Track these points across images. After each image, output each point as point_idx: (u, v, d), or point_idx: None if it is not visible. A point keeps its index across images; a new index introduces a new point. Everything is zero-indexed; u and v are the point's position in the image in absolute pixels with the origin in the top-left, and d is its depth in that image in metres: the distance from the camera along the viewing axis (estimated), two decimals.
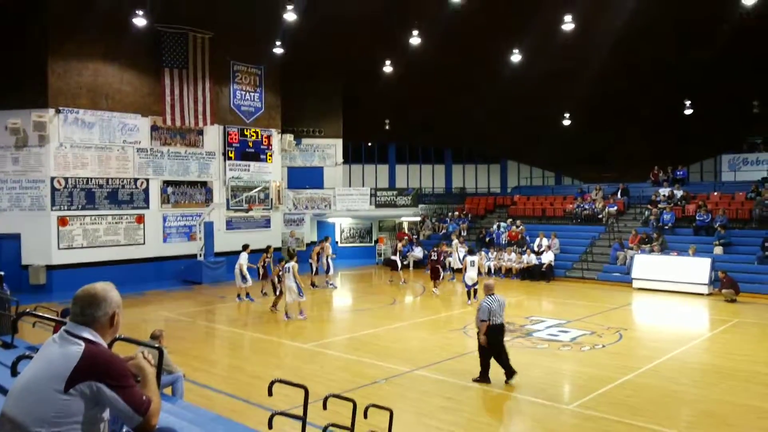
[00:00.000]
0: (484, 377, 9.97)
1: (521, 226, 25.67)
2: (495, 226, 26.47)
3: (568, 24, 19.25)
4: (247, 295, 18.55)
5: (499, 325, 9.91)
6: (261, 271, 20.01)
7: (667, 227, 22.69)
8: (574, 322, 14.84)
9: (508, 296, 19.29)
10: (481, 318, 9.85)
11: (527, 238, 24.75)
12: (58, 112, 20.40)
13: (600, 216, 25.32)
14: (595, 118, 29.53)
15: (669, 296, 18.99)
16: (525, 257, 23.03)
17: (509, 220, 26.68)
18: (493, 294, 10.09)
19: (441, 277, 20.62)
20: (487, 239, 25.84)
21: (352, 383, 9.96)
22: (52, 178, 20.30)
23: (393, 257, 23.29)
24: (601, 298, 18.72)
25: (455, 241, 23.39)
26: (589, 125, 30.30)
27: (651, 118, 29.23)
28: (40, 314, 5.20)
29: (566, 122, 31.72)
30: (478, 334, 10.07)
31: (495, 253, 24.10)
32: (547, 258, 22.56)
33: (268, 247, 20.64)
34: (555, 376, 10.61)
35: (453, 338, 13.40)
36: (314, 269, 21.74)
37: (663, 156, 28.28)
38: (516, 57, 22.99)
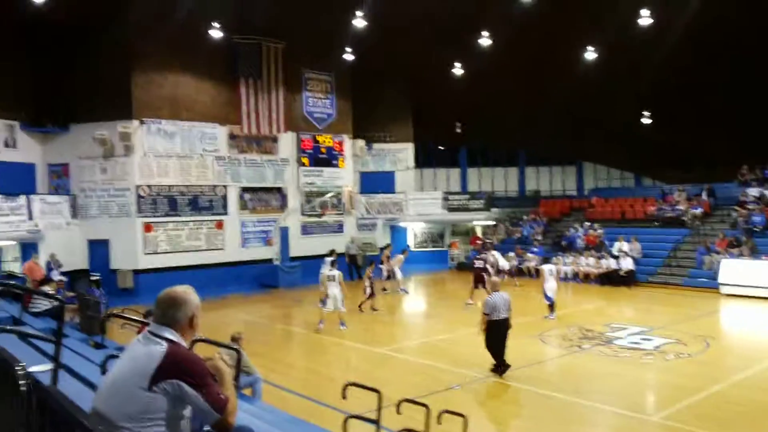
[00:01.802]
0: (500, 366, 10.64)
1: (599, 230, 24.87)
2: (573, 230, 25.73)
3: (645, 18, 18.52)
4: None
5: (502, 320, 10.75)
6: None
7: (756, 230, 21.41)
8: (657, 330, 14.20)
9: (586, 302, 18.89)
10: (484, 312, 10.78)
11: (606, 242, 23.95)
12: (141, 123, 21.39)
13: (684, 218, 24.17)
14: (677, 116, 28.24)
15: (760, 303, 17.87)
16: (604, 262, 22.29)
17: (587, 224, 25.90)
18: (498, 291, 11.09)
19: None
20: (564, 243, 25.16)
21: (426, 388, 9.89)
22: (137, 186, 21.28)
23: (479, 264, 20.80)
24: (686, 305, 17.85)
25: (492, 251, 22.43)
26: (671, 123, 29.00)
27: (738, 113, 27.68)
28: (125, 316, 5.42)
29: (646, 121, 30.51)
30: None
31: (572, 257, 23.44)
32: (627, 263, 21.74)
33: (332, 251, 20.63)
34: (638, 386, 10.19)
35: (529, 345, 13.09)
36: (386, 274, 21.73)
37: (751, 154, 26.71)
38: (591, 54, 22.32)
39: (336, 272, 15.33)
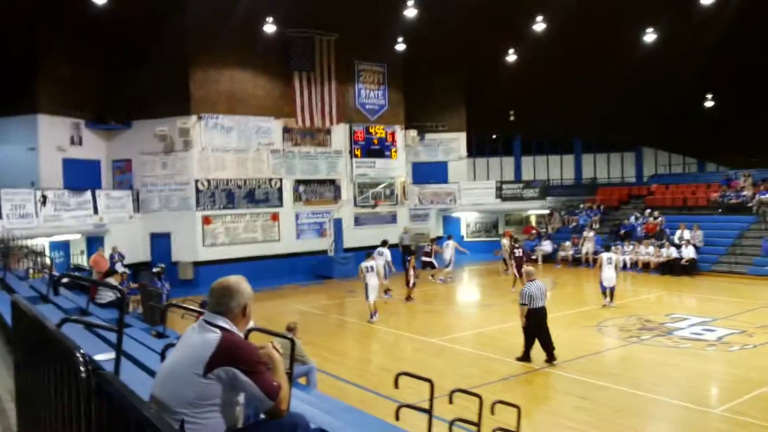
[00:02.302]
0: (525, 356, 10.76)
1: (660, 218, 24.12)
2: (632, 218, 25.00)
3: None
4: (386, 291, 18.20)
5: (540, 308, 10.66)
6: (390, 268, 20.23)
7: None
8: (720, 320, 13.72)
9: (646, 292, 18.40)
10: (522, 302, 10.69)
11: (666, 230, 23.22)
12: (199, 118, 21.95)
13: (749, 205, 23.17)
14: (742, 97, 27.02)
15: None
16: (664, 251, 21.62)
17: (647, 211, 25.16)
18: (533, 280, 10.87)
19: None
20: (623, 232, 24.52)
21: (480, 379, 9.87)
22: (196, 181, 21.88)
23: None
24: (751, 295, 17.12)
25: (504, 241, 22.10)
26: (736, 105, 27.78)
27: None
28: (182, 305, 5.61)
29: (709, 104, 29.33)
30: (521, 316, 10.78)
31: (631, 246, 22.82)
32: (689, 251, 21.03)
33: (384, 242, 20.69)
34: (700, 378, 9.88)
35: (586, 335, 12.87)
36: (435, 265, 21.83)
37: None
38: (649, 36, 21.59)
39: (374, 263, 15.52)
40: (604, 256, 16.13)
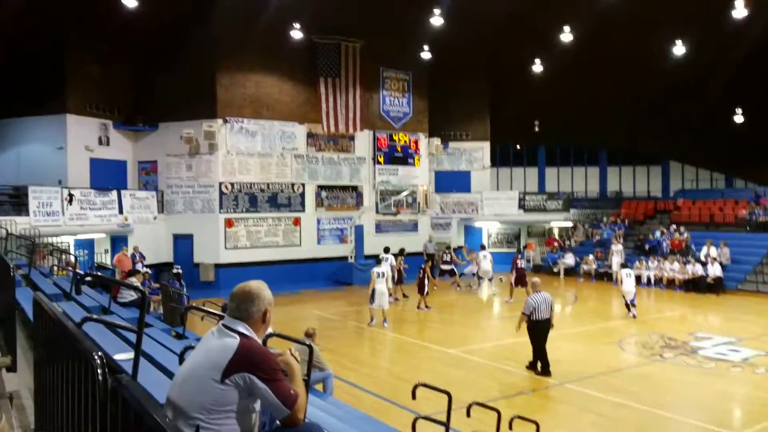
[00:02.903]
0: (533, 365, 10.90)
1: (685, 234, 23.74)
2: (658, 233, 24.59)
3: (738, 10, 17.47)
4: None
5: (543, 320, 10.80)
6: (395, 275, 20.26)
7: None
8: (746, 341, 13.42)
9: (669, 309, 18.09)
10: (523, 311, 10.89)
11: (692, 246, 22.83)
12: (225, 122, 22.15)
13: None
14: None
15: None
16: (689, 267, 21.26)
17: (672, 227, 24.77)
18: (539, 291, 10.97)
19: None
20: (647, 247, 24.16)
21: (498, 392, 9.76)
22: (220, 183, 22.05)
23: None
24: None
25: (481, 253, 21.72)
26: (767, 120, 27.28)
27: None
28: (203, 308, 5.62)
29: (738, 118, 28.85)
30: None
31: (655, 262, 22.46)
32: (715, 269, 20.64)
33: (401, 250, 20.85)
34: (724, 400, 9.65)
35: (607, 352, 12.67)
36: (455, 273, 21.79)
37: None
38: (678, 48, 21.32)
39: (385, 269, 15.85)
40: (624, 271, 16.80)
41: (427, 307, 17.70)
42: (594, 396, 9.61)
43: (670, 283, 21.53)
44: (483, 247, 22.18)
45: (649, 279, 22.11)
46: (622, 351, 12.66)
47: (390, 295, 18.24)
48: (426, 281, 17.71)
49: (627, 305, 16.36)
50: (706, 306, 18.61)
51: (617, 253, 23.30)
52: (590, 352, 12.64)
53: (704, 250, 21.84)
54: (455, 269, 21.99)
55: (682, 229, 24.17)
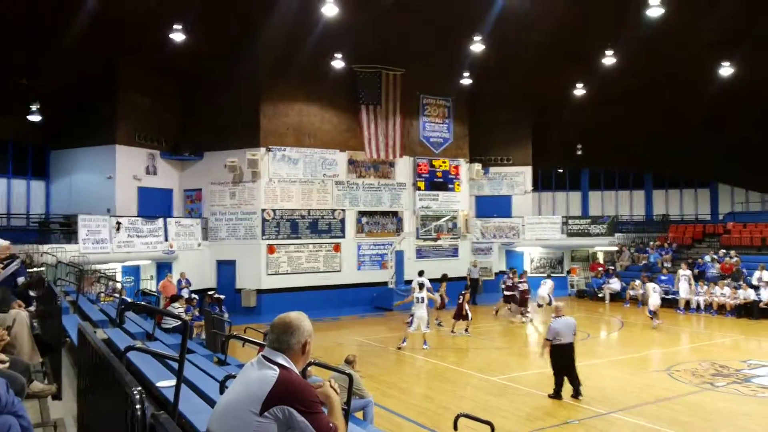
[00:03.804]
0: (556, 394, 10.74)
1: (736, 257, 22.94)
2: (708, 257, 23.78)
3: None
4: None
5: (566, 344, 10.78)
6: (439, 301, 20.10)
7: None
8: None
9: (721, 336, 17.44)
10: (546, 337, 11.01)
11: (744, 270, 22.03)
12: (268, 150, 22.53)
13: None
14: None
15: None
16: (741, 292, 20.50)
17: (722, 251, 23.98)
18: (561, 316, 11.05)
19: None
20: (696, 271, 23.42)
21: (542, 422, 9.51)
22: (263, 210, 22.36)
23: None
24: None
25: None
26: None
27: None
28: (244, 337, 5.65)
29: None
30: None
31: (705, 287, 21.72)
32: None
33: (444, 275, 20.68)
34: None
35: (655, 379, 12.25)
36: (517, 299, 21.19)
37: None
38: (726, 70, 20.86)
39: (424, 294, 16.02)
40: (650, 285, 19.14)
41: (466, 331, 17.53)
42: (642, 426, 9.27)
43: (721, 309, 20.79)
44: (549, 276, 22.62)
45: (698, 304, 21.39)
46: (672, 379, 12.21)
47: (436, 318, 18.84)
48: (466, 307, 17.50)
49: (651, 316, 18.39)
50: (758, 332, 17.88)
51: (684, 278, 21.91)
52: (638, 379, 12.23)
53: (756, 274, 21.06)
54: (517, 296, 20.87)
55: (732, 252, 23.38)
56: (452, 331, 17.62)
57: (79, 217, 18.34)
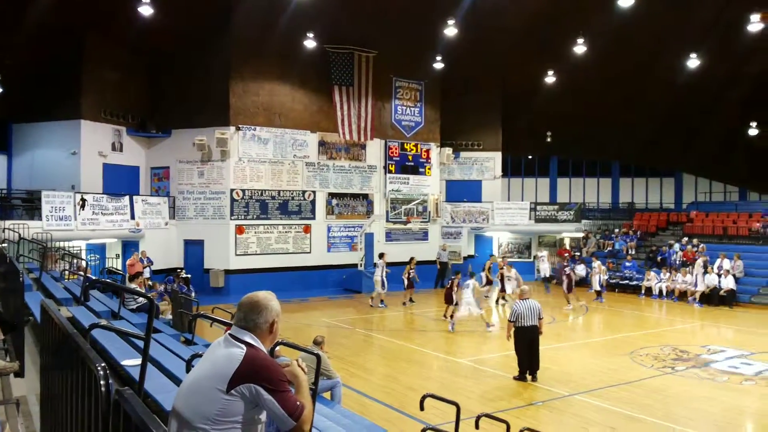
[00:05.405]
0: (521, 375, 11.05)
1: (700, 245, 23.51)
2: (677, 246, 24.29)
3: (754, 24, 17.39)
4: (381, 302, 19.88)
5: (529, 327, 11.06)
6: (405, 282, 20.52)
7: None
8: (759, 354, 13.24)
9: (681, 322, 17.91)
10: (509, 319, 11.34)
11: (708, 258, 22.61)
12: (238, 129, 22.24)
13: None
14: None
15: None
16: (708, 277, 21.02)
17: (685, 239, 24.56)
18: (526, 299, 11.34)
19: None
20: (659, 259, 23.97)
21: (507, 403, 9.68)
22: (232, 190, 22.13)
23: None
24: None
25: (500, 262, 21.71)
26: None
27: None
28: (212, 316, 5.61)
29: (753, 131, 28.66)
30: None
31: (667, 274, 22.26)
32: (728, 281, 20.44)
33: (411, 258, 21.27)
34: (736, 414, 9.51)
35: (619, 363, 12.54)
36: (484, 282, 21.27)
37: None
38: (692, 62, 21.23)
39: (472, 281, 16.30)
40: (595, 264, 21.61)
41: (451, 317, 17.42)
42: (605, 408, 9.51)
43: (683, 296, 21.34)
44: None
45: (660, 291, 21.94)
46: (634, 363, 12.52)
47: (382, 301, 19.67)
48: (453, 292, 17.44)
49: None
50: (718, 318, 18.44)
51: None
52: (601, 364, 12.52)
53: (717, 262, 21.63)
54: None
55: (695, 240, 23.96)
56: (444, 316, 17.40)
57: (42, 193, 17.91)
